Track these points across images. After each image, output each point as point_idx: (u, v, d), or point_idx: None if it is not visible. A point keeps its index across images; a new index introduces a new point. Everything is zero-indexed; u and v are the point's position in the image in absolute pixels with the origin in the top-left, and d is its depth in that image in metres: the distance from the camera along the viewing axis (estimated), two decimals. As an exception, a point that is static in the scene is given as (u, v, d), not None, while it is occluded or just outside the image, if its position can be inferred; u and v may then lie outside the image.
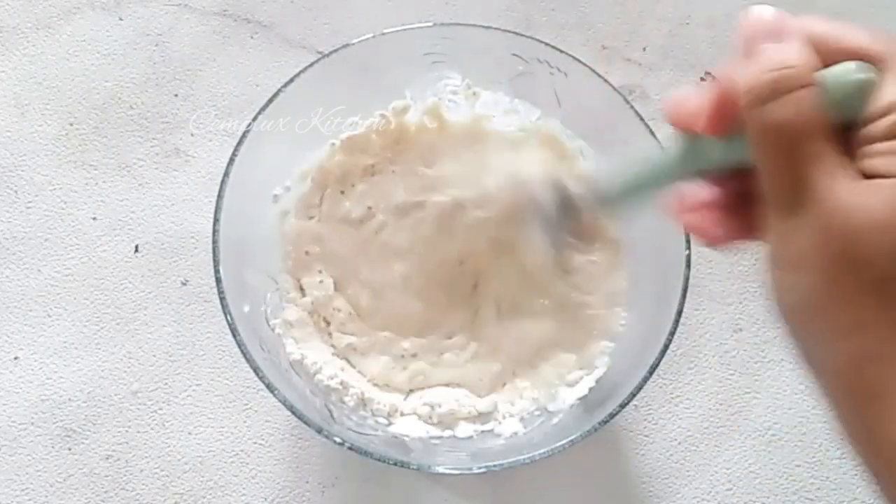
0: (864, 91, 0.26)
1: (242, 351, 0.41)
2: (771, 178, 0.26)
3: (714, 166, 0.30)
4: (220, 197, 0.44)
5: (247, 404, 0.51)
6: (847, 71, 0.26)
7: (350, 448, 0.40)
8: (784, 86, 0.26)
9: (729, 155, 0.29)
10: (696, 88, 0.30)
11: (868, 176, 0.25)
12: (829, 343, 0.25)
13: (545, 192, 0.42)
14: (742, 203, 0.30)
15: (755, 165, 0.27)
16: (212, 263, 0.43)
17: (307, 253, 0.51)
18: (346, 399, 0.47)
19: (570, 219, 0.41)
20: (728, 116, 0.28)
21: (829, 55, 0.27)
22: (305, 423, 0.41)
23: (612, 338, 0.48)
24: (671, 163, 0.32)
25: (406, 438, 0.46)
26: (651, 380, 0.42)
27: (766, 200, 0.27)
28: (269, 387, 0.41)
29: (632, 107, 0.47)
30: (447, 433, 0.47)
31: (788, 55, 0.26)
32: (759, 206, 0.27)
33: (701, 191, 0.31)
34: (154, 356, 0.52)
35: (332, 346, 0.50)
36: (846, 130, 0.26)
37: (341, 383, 0.47)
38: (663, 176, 0.33)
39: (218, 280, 0.43)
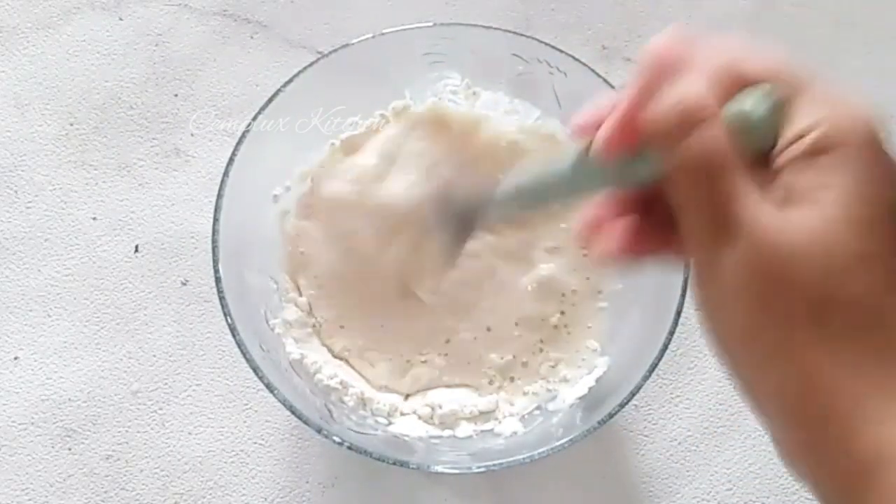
0: (775, 116, 0.26)
1: (242, 351, 0.41)
2: (691, 213, 0.26)
3: (614, 185, 0.30)
4: (219, 197, 0.44)
5: (247, 404, 0.51)
6: (756, 97, 0.26)
7: (350, 448, 0.40)
8: (690, 121, 0.25)
9: (627, 175, 0.29)
10: (601, 104, 0.30)
11: (790, 199, 0.25)
12: (766, 369, 0.25)
13: (436, 200, 0.41)
14: (649, 214, 0.29)
15: (670, 199, 0.27)
16: (212, 263, 0.43)
17: (302, 252, 0.51)
18: (346, 399, 0.47)
19: (471, 219, 0.39)
20: (629, 141, 0.28)
21: (737, 81, 0.26)
22: (305, 423, 0.41)
23: (598, 337, 0.49)
24: (568, 177, 0.31)
25: (406, 438, 0.46)
26: (651, 380, 0.42)
27: (686, 233, 0.26)
28: (269, 387, 0.41)
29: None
30: (447, 433, 0.47)
31: (690, 89, 0.26)
32: (674, 229, 0.27)
33: (602, 206, 0.30)
34: (154, 356, 0.52)
35: (329, 348, 0.50)
36: (765, 154, 0.26)
37: (341, 383, 0.47)
38: (560, 189, 0.32)
39: (218, 280, 0.43)
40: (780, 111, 0.26)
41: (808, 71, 0.27)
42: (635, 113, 0.27)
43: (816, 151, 0.25)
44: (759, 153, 0.26)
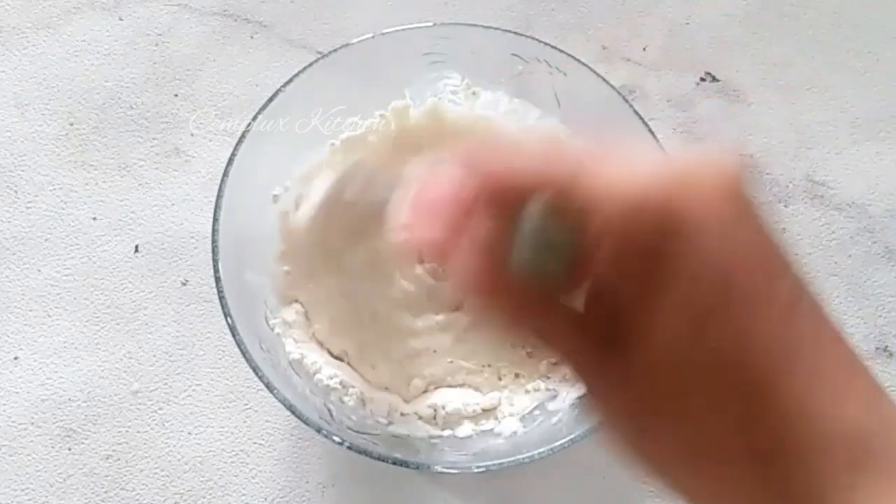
0: (555, 233, 0.23)
1: (242, 351, 0.41)
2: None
3: None
4: (219, 197, 0.44)
5: (247, 404, 0.51)
6: (530, 222, 0.23)
7: (350, 448, 0.40)
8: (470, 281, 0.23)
9: None
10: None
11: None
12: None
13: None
14: None
15: None
16: (212, 263, 0.43)
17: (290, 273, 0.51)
18: (346, 399, 0.47)
19: None
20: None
21: (512, 197, 0.23)
22: (305, 423, 0.41)
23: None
24: None
25: (406, 438, 0.46)
26: (651, 380, 0.42)
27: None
28: (269, 387, 0.41)
29: (632, 107, 0.47)
30: (447, 433, 0.47)
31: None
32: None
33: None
34: (154, 356, 0.52)
35: (329, 350, 0.50)
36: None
37: (341, 383, 0.47)
38: None
39: (218, 280, 0.43)
40: (554, 228, 0.23)
41: (577, 152, 0.24)
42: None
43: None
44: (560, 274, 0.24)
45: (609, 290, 0.24)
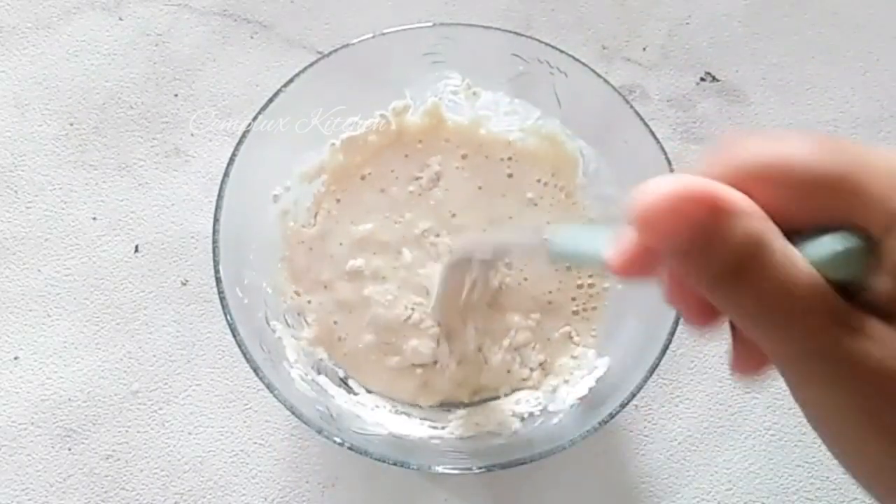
0: (850, 260, 0.22)
1: (242, 351, 0.41)
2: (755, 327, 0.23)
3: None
4: (220, 197, 0.44)
5: (247, 404, 0.51)
6: (828, 245, 0.22)
7: (350, 448, 0.40)
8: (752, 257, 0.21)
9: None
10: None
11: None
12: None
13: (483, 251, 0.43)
14: None
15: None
16: (212, 263, 0.43)
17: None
18: (346, 399, 0.47)
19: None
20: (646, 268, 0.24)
21: (781, 179, 0.22)
22: (305, 423, 0.41)
23: (598, 337, 0.49)
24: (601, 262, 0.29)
25: (406, 438, 0.46)
26: (651, 380, 0.42)
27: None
28: (269, 387, 0.41)
29: (632, 107, 0.47)
30: (447, 433, 0.47)
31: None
32: None
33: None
34: (154, 356, 0.52)
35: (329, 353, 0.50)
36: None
37: (341, 382, 0.47)
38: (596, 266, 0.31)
39: (218, 280, 0.43)
40: (855, 255, 0.22)
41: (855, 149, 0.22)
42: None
43: None
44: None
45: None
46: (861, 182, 0.21)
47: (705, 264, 0.22)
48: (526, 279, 0.51)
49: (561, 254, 0.33)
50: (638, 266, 0.24)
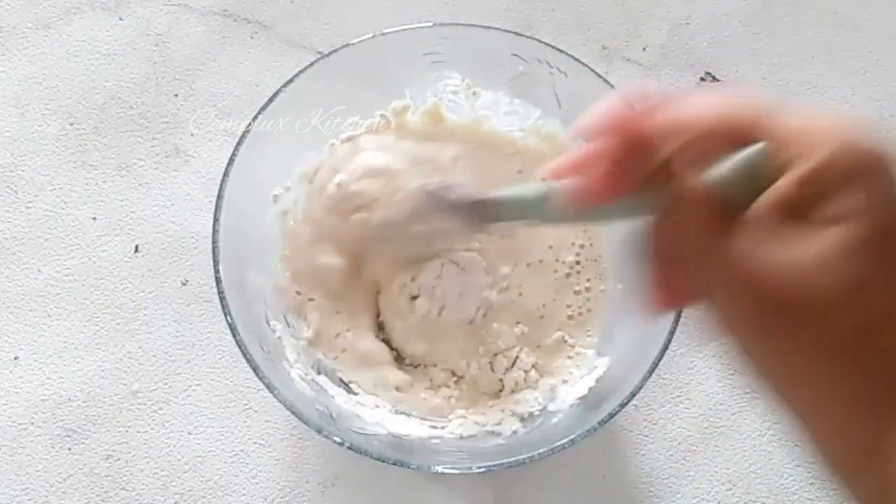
0: (752, 173, 0.26)
1: (242, 351, 0.41)
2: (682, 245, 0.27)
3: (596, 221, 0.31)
4: (219, 197, 0.44)
5: (247, 404, 0.51)
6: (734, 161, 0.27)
7: (350, 448, 0.40)
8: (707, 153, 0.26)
9: (621, 211, 0.30)
10: (574, 154, 0.31)
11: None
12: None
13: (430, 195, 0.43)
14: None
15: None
16: (212, 263, 0.43)
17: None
18: (347, 399, 0.47)
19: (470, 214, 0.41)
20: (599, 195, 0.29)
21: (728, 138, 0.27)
22: (305, 423, 0.41)
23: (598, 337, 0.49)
24: (539, 210, 0.33)
25: (406, 438, 0.46)
26: (651, 380, 0.42)
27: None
28: (269, 387, 0.41)
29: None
30: (447, 433, 0.47)
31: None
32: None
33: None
34: (154, 356, 0.52)
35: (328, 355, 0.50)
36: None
37: (340, 382, 0.47)
38: (533, 216, 0.34)
39: (218, 280, 0.43)
40: (756, 168, 0.26)
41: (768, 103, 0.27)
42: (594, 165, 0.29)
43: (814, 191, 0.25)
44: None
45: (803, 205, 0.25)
46: (767, 132, 0.26)
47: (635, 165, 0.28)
48: (521, 294, 0.51)
49: (501, 202, 0.35)
50: (590, 192, 0.29)
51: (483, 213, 0.37)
